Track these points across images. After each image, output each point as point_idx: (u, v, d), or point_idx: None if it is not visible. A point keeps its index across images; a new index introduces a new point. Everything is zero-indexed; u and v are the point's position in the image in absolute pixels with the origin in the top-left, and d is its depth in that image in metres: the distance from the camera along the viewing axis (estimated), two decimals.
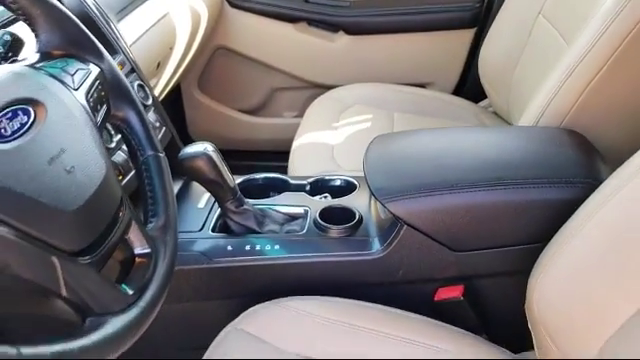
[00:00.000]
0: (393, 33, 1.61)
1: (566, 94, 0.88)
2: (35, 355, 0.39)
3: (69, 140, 0.49)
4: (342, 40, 1.63)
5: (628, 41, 0.82)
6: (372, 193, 0.80)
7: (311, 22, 1.63)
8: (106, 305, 0.48)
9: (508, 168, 0.79)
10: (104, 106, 0.58)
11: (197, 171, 0.80)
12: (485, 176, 0.78)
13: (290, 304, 0.77)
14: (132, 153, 0.62)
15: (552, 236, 0.71)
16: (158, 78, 1.24)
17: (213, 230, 0.88)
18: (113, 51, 0.93)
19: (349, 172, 1.01)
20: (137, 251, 0.54)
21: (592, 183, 0.72)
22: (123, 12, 1.09)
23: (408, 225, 0.78)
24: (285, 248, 0.83)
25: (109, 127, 0.80)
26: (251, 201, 0.89)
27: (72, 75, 0.55)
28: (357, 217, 0.85)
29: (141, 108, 0.62)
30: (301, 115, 1.44)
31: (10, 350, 0.37)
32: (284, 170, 1.19)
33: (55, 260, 0.44)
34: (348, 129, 1.28)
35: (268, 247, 0.83)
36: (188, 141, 0.84)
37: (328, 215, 0.87)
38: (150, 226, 0.58)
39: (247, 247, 0.83)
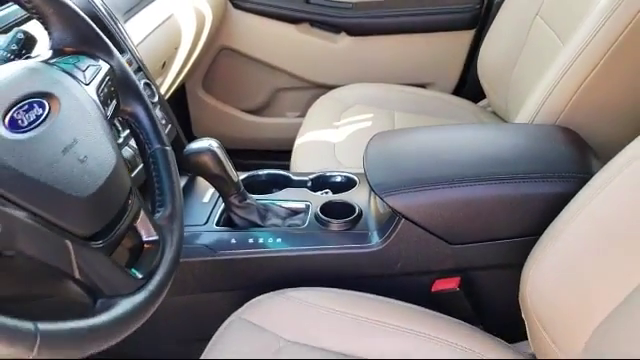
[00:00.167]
0: (394, 34, 1.62)
1: (561, 93, 0.90)
2: (51, 330, 0.41)
3: (81, 131, 0.52)
4: (344, 41, 1.65)
5: (620, 40, 0.84)
6: (371, 188, 0.82)
7: (313, 23, 1.65)
8: (116, 288, 0.50)
9: (503, 164, 0.81)
10: (114, 101, 0.61)
11: (202, 166, 0.82)
12: (481, 171, 0.80)
13: (292, 295, 0.79)
14: (140, 146, 0.65)
15: (545, 229, 0.73)
16: (164, 77, 1.26)
17: (217, 224, 0.89)
18: (120, 50, 0.95)
19: (350, 169, 1.03)
20: (145, 238, 0.57)
21: (584, 177, 0.74)
22: (130, 12, 1.11)
23: (406, 219, 0.80)
24: (287, 241, 0.85)
25: (117, 124, 0.83)
26: (254, 196, 0.91)
27: (83, 71, 0.58)
28: (357, 211, 0.87)
29: (149, 103, 0.65)
30: (303, 115, 1.45)
31: (28, 325, 0.40)
32: (286, 168, 1.21)
33: (69, 244, 0.47)
34: (349, 128, 1.30)
35: (271, 240, 0.85)
36: (192, 140, 0.86)
37: (329, 210, 0.89)
38: (157, 215, 0.60)
39: (250, 240, 0.85)
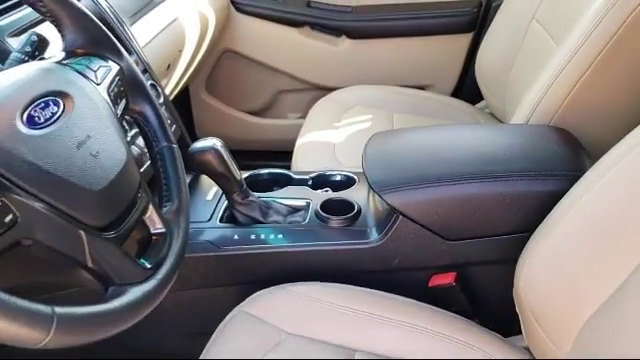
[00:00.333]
0: (394, 37, 1.64)
1: (555, 94, 0.92)
2: (67, 314, 0.43)
3: (94, 128, 0.55)
4: (344, 44, 1.66)
5: (613, 42, 0.86)
6: (370, 186, 0.83)
7: (314, 26, 1.66)
8: (126, 276, 0.53)
9: (499, 162, 0.83)
10: (123, 100, 0.64)
11: (206, 164, 0.84)
12: (477, 170, 0.81)
13: (293, 289, 0.80)
14: (148, 144, 0.67)
15: (538, 226, 0.75)
16: (168, 79, 1.29)
17: (221, 220, 0.91)
18: (127, 52, 0.97)
19: (349, 168, 1.04)
20: (153, 230, 0.59)
21: (576, 175, 0.75)
22: (136, 16, 1.14)
23: (404, 216, 0.82)
24: (288, 237, 0.86)
25: (124, 124, 0.85)
26: (256, 194, 0.93)
27: (95, 71, 0.61)
28: (356, 209, 0.89)
29: (156, 103, 0.67)
30: (304, 116, 1.47)
31: (45, 309, 0.42)
32: (288, 168, 1.22)
33: (82, 234, 0.50)
34: (349, 129, 1.31)
35: (272, 236, 0.87)
36: (196, 140, 0.88)
37: (329, 207, 0.90)
38: (165, 210, 0.63)
39: (252, 236, 0.87)
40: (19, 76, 0.53)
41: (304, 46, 1.68)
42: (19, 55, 0.66)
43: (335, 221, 0.88)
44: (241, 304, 0.81)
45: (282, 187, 0.99)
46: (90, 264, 0.50)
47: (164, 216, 0.61)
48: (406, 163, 0.86)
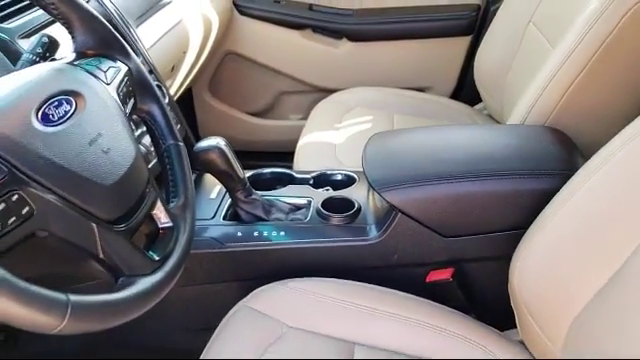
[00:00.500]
0: (394, 40, 1.65)
1: (550, 95, 0.94)
2: (81, 302, 0.46)
3: (105, 126, 0.57)
4: (345, 46, 1.68)
5: (605, 45, 0.87)
6: (370, 184, 0.85)
7: (316, 29, 1.68)
8: (135, 268, 0.55)
9: (495, 161, 0.85)
10: (131, 100, 0.66)
11: (210, 163, 0.86)
12: (474, 168, 0.83)
13: (295, 284, 0.82)
14: (155, 142, 0.70)
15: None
16: (172, 80, 1.31)
17: (224, 218, 0.93)
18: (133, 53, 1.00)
19: (350, 168, 1.05)
20: (161, 225, 0.62)
21: (569, 174, 0.76)
22: (141, 18, 1.16)
23: (402, 213, 0.84)
24: (290, 234, 0.88)
25: (131, 124, 0.88)
26: (259, 192, 0.94)
27: (105, 72, 0.63)
28: (356, 206, 0.91)
29: (163, 103, 0.70)
30: (306, 118, 1.48)
31: (60, 296, 0.45)
32: (290, 168, 1.24)
33: (94, 226, 0.52)
34: (350, 129, 1.33)
35: (275, 233, 0.88)
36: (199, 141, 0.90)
37: (330, 205, 0.92)
38: (172, 205, 0.65)
39: (255, 233, 0.88)
40: (33, 76, 0.56)
41: (306, 48, 1.69)
42: (31, 56, 0.68)
43: (336, 219, 0.89)
44: (244, 299, 0.82)
45: (284, 186, 1.01)
46: (101, 255, 0.52)
47: (171, 211, 0.64)
48: (405, 162, 0.87)
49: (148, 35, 1.14)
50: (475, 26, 1.62)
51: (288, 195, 0.97)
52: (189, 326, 0.96)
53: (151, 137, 0.70)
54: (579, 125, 0.94)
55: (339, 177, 1.03)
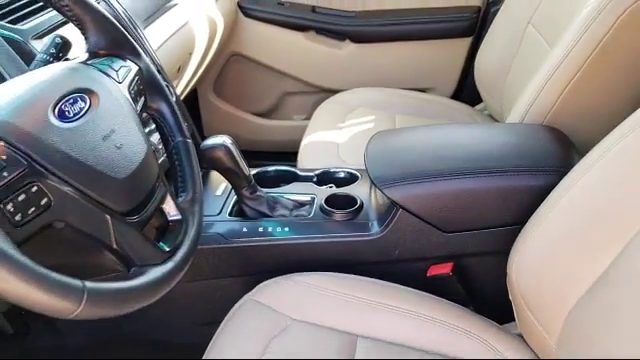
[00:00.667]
0: (396, 41, 1.67)
1: (548, 95, 0.95)
2: (96, 288, 0.48)
3: (117, 123, 0.59)
4: (348, 48, 1.69)
5: (601, 45, 0.89)
6: (372, 181, 0.87)
7: (319, 31, 1.70)
8: (147, 258, 0.57)
9: (493, 159, 0.86)
10: (142, 98, 0.68)
11: (217, 160, 0.88)
12: (473, 165, 0.85)
13: (298, 279, 0.83)
14: (164, 139, 0.72)
15: None
16: (178, 80, 1.33)
17: (230, 214, 0.94)
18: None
19: (353, 166, 1.07)
20: (170, 218, 0.64)
21: (565, 171, 0.77)
22: (149, 20, 1.18)
23: (403, 209, 0.85)
24: (294, 230, 0.89)
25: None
26: (264, 189, 0.96)
27: (117, 71, 0.65)
28: (358, 203, 0.92)
29: (172, 101, 0.72)
30: (309, 118, 1.49)
31: (77, 283, 0.47)
32: (294, 167, 1.25)
33: (108, 218, 0.54)
34: (353, 129, 1.35)
35: (279, 229, 0.90)
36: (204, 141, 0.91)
37: (333, 202, 0.93)
38: (180, 199, 0.67)
39: (260, 229, 0.90)
40: (49, 75, 0.58)
41: (309, 50, 1.71)
42: (44, 56, 0.71)
43: (339, 215, 0.91)
44: (249, 293, 0.84)
45: (288, 183, 1.02)
46: (115, 246, 0.54)
47: (180, 205, 0.66)
48: (406, 159, 0.89)
49: (155, 36, 1.16)
50: (475, 27, 1.64)
51: (292, 192, 0.98)
52: (196, 320, 0.98)
53: (160, 134, 0.72)
54: (576, 124, 0.95)
55: (342, 175, 1.04)
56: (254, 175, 0.99)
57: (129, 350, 1.03)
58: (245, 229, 0.90)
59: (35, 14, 0.87)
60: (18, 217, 0.47)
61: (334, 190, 0.98)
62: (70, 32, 0.79)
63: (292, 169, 1.06)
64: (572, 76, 0.93)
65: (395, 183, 0.85)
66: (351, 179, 1.02)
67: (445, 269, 0.89)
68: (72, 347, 1.03)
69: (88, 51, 0.68)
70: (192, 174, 0.70)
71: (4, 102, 0.52)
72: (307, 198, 0.97)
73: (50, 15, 0.88)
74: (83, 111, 0.57)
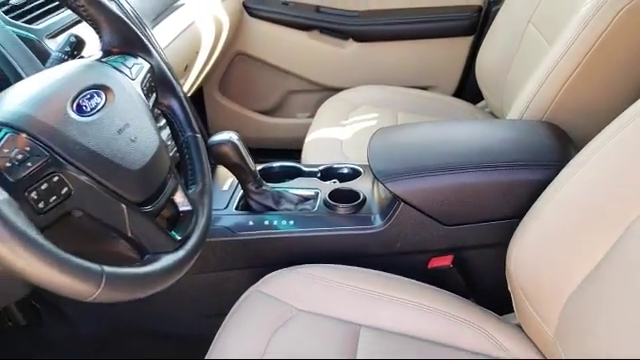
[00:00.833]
0: (398, 40, 1.68)
1: (546, 92, 0.97)
2: (114, 273, 0.51)
3: (131, 117, 0.62)
4: (351, 47, 1.71)
5: (599, 43, 0.90)
6: (374, 175, 0.88)
7: (323, 30, 1.71)
8: (159, 246, 0.60)
9: (493, 153, 0.88)
10: (154, 94, 0.71)
11: (224, 156, 0.90)
12: (473, 160, 0.86)
13: (303, 270, 0.85)
14: (174, 134, 0.75)
15: None
16: (185, 79, 1.35)
17: (236, 208, 0.96)
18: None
19: (356, 162, 1.08)
20: (181, 208, 0.67)
21: (563, 166, 0.78)
22: (157, 20, 1.20)
23: (405, 203, 0.87)
24: (299, 223, 0.91)
25: None
26: (269, 184, 0.97)
27: (130, 68, 0.68)
28: (361, 197, 0.94)
29: (182, 98, 0.75)
30: (313, 116, 1.50)
31: (96, 267, 0.50)
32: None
33: (124, 207, 0.57)
34: (356, 126, 1.36)
35: (284, 223, 0.91)
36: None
37: (336, 196, 0.95)
38: (190, 191, 0.70)
39: (266, 222, 0.92)
40: (67, 72, 0.61)
41: (313, 49, 1.73)
42: (60, 54, 0.74)
43: (342, 209, 0.92)
44: (255, 284, 0.85)
45: (293, 179, 1.04)
46: (130, 234, 0.57)
47: (190, 196, 0.69)
48: (408, 154, 0.91)
49: (163, 36, 1.18)
50: (477, 26, 1.65)
51: (297, 187, 1.00)
52: (203, 312, 1.00)
53: (171, 129, 0.75)
54: (574, 120, 0.97)
55: (345, 170, 1.06)
56: (260, 170, 1.01)
57: (138, 341, 1.05)
58: (251, 222, 0.92)
59: (49, 14, 0.89)
60: (41, 205, 0.50)
61: (338, 185, 1.00)
62: (83, 31, 0.81)
63: (297, 165, 1.08)
64: (570, 73, 0.94)
65: (397, 177, 0.87)
66: (354, 174, 1.04)
67: (446, 261, 0.90)
68: (83, 338, 1.05)
69: (102, 49, 0.70)
70: (201, 167, 0.72)
71: (26, 97, 0.55)
72: (311, 193, 0.99)
73: (62, 15, 0.91)
74: (99, 106, 0.60)
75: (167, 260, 0.59)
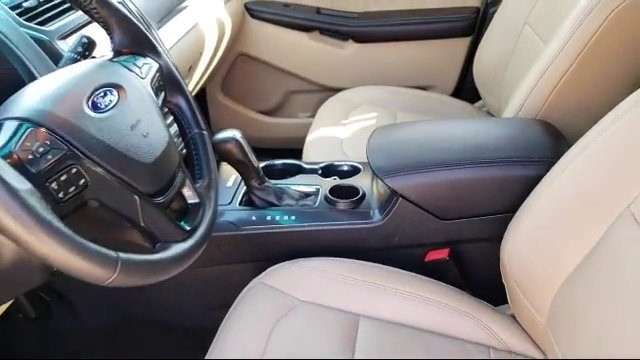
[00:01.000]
0: (397, 41, 1.71)
1: (540, 91, 1.00)
2: (128, 259, 0.54)
3: (143, 114, 0.65)
4: (351, 47, 1.73)
5: (593, 41, 0.93)
6: (373, 171, 0.91)
7: (323, 31, 1.74)
8: (170, 235, 0.63)
9: (488, 150, 0.90)
10: (162, 92, 0.74)
11: (228, 153, 0.92)
12: (469, 156, 0.89)
13: (305, 263, 0.87)
14: (182, 131, 0.78)
15: None
16: (189, 79, 1.38)
17: (240, 204, 0.98)
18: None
19: (355, 159, 1.10)
20: (189, 201, 0.70)
21: (555, 162, 0.80)
22: (162, 21, 1.23)
23: (403, 198, 0.89)
24: (300, 218, 0.93)
25: None
26: (272, 181, 0.99)
27: (140, 68, 0.71)
28: (361, 193, 0.96)
29: (190, 96, 0.78)
30: (314, 116, 1.52)
31: (112, 253, 0.53)
32: None
33: (137, 198, 0.60)
34: (355, 125, 1.39)
35: (286, 218, 0.93)
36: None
37: (336, 192, 0.97)
38: (198, 185, 0.73)
39: (268, 217, 0.94)
40: (81, 71, 0.64)
41: (313, 50, 1.75)
42: (72, 55, 0.77)
43: (342, 204, 0.95)
44: (258, 277, 0.88)
45: (294, 175, 1.06)
46: (142, 224, 0.60)
47: (197, 190, 0.72)
48: (406, 151, 0.93)
49: (168, 37, 1.21)
50: (475, 27, 1.67)
51: (298, 183, 1.02)
52: (208, 304, 1.02)
53: (178, 126, 0.78)
54: (567, 118, 0.99)
55: (345, 167, 1.08)
56: (262, 167, 1.03)
57: (144, 333, 1.08)
58: (254, 217, 0.94)
59: (60, 16, 0.92)
60: (61, 195, 0.53)
61: (338, 181, 1.02)
62: (93, 32, 0.84)
63: (298, 162, 1.10)
64: (564, 72, 0.97)
65: (395, 173, 0.89)
66: (354, 171, 1.06)
67: (442, 254, 0.93)
68: (90, 330, 1.07)
69: (113, 49, 0.73)
70: (208, 163, 0.75)
71: (45, 94, 0.58)
72: (312, 189, 1.01)
73: (73, 17, 0.93)
74: (113, 103, 0.63)
75: (177, 249, 0.62)
